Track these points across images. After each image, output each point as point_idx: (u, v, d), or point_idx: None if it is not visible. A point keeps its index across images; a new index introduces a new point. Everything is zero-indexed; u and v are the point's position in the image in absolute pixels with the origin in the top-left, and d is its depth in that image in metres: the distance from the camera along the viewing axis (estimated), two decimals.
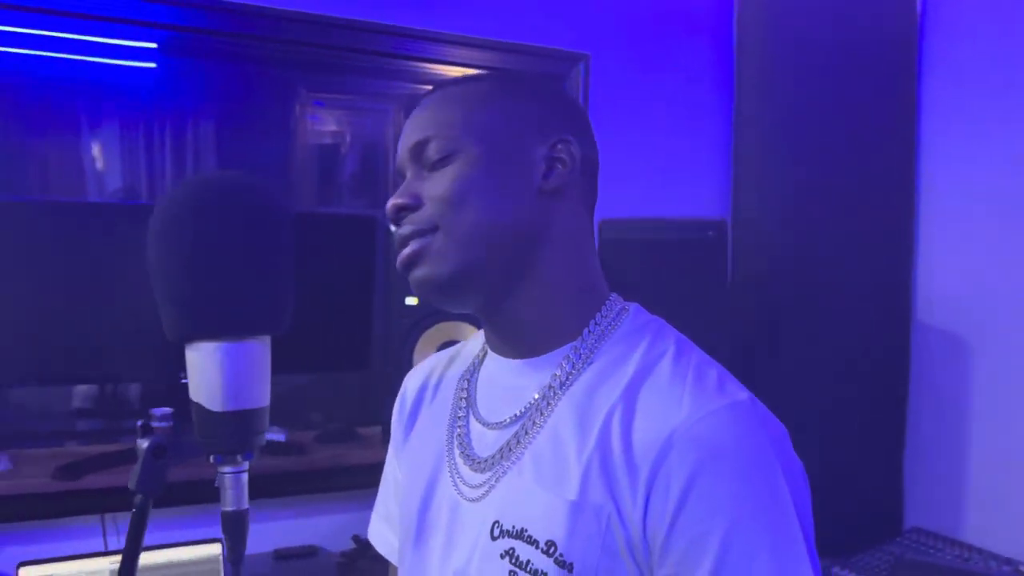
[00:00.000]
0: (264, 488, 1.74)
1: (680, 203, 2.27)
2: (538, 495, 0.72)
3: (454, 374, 0.91)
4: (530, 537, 0.71)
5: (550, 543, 0.69)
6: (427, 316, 1.77)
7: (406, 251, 0.77)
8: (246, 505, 0.60)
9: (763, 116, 2.27)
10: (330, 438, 1.93)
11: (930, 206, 2.22)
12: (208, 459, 0.61)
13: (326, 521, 1.98)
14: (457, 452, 0.82)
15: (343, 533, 1.95)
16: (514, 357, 0.81)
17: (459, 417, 0.84)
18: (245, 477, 0.60)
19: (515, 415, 0.78)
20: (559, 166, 0.78)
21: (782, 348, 2.12)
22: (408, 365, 1.78)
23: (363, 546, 1.93)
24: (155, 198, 2.11)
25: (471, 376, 0.86)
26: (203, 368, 0.60)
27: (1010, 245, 2.04)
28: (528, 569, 0.70)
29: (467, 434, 0.82)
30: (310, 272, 1.77)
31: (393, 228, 0.79)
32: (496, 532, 0.73)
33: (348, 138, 2.80)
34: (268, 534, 1.91)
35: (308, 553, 1.91)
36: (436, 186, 0.76)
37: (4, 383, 1.77)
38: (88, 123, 2.17)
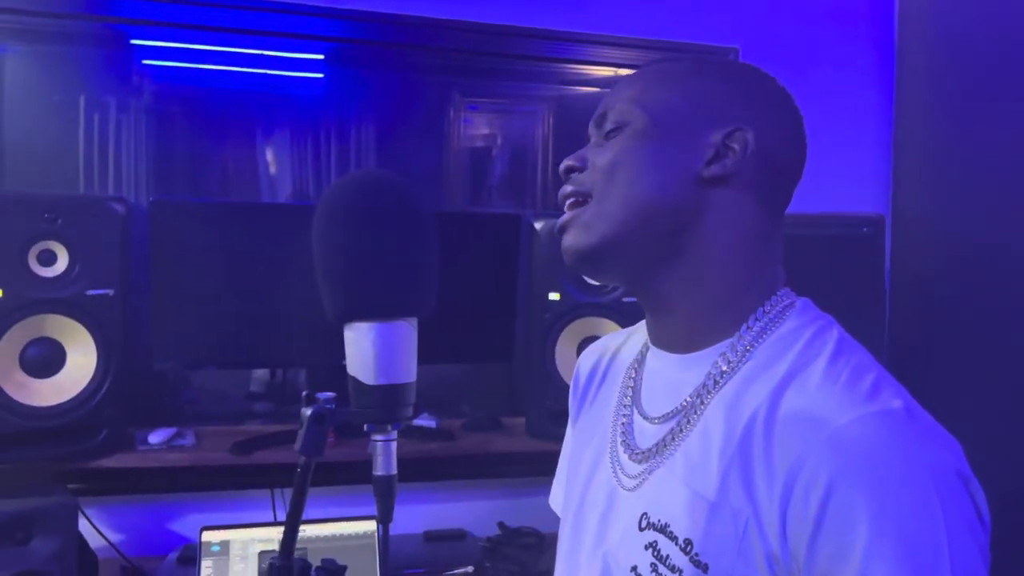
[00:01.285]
0: (415, 472, 1.84)
1: (837, 199, 2.19)
2: (683, 492, 0.72)
3: (623, 360, 0.93)
4: (672, 533, 0.72)
5: (688, 541, 0.70)
6: (569, 311, 1.82)
7: (562, 217, 0.81)
8: (395, 470, 0.66)
9: (927, 110, 2.15)
10: (476, 426, 2.01)
11: None
12: (362, 428, 0.68)
13: (473, 506, 2.06)
14: (619, 440, 0.84)
15: (489, 519, 2.02)
16: (672, 351, 0.81)
17: (625, 406, 0.86)
18: (394, 445, 0.67)
19: (672, 411, 0.78)
20: (729, 154, 0.75)
21: (942, 353, 2.00)
22: (551, 358, 1.83)
23: (508, 532, 1.99)
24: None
25: (638, 366, 0.88)
26: (359, 345, 0.67)
27: None
28: (667, 564, 0.71)
29: (630, 424, 0.84)
30: (459, 268, 1.87)
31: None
32: (643, 523, 0.75)
33: (499, 140, 2.87)
34: (419, 516, 2.01)
35: (456, 536, 1.99)
36: (600, 155, 0.79)
37: (188, 366, 1.95)
38: (262, 131, 2.34)
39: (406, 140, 2.48)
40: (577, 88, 2.38)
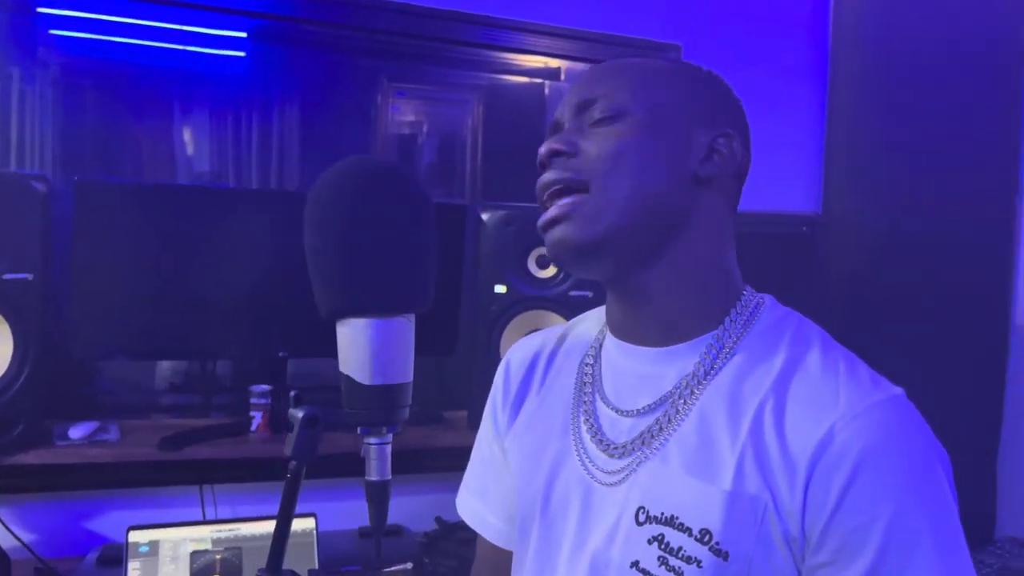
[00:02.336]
0: (352, 468, 1.79)
1: (770, 197, 2.23)
2: (688, 483, 0.72)
3: (569, 355, 0.90)
4: (681, 524, 0.71)
5: (704, 531, 0.70)
6: (515, 303, 1.79)
7: (552, 211, 0.77)
8: (389, 475, 0.63)
9: (858, 111, 2.22)
10: (417, 421, 1.97)
11: None
12: (355, 431, 0.64)
13: (410, 501, 2.02)
14: (587, 437, 0.82)
15: (427, 514, 1.99)
16: (648, 344, 0.81)
17: (585, 402, 0.85)
18: (389, 449, 0.63)
19: (653, 403, 0.78)
20: (717, 157, 0.78)
21: (872, 348, 2.07)
22: (496, 351, 1.80)
23: (445, 527, 1.96)
24: (241, 182, 2.17)
25: (594, 361, 0.86)
26: (354, 343, 0.63)
27: None
28: (680, 555, 0.71)
29: (596, 419, 0.82)
30: None
31: (541, 173, 0.79)
32: (642, 518, 0.74)
33: (425, 128, 2.83)
34: (353, 512, 1.96)
35: (393, 532, 1.95)
36: (596, 143, 0.77)
37: (107, 356, 1.85)
38: (180, 109, 2.24)
39: (331, 124, 2.41)
40: (509, 78, 2.35)
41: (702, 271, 0.79)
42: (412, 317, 0.68)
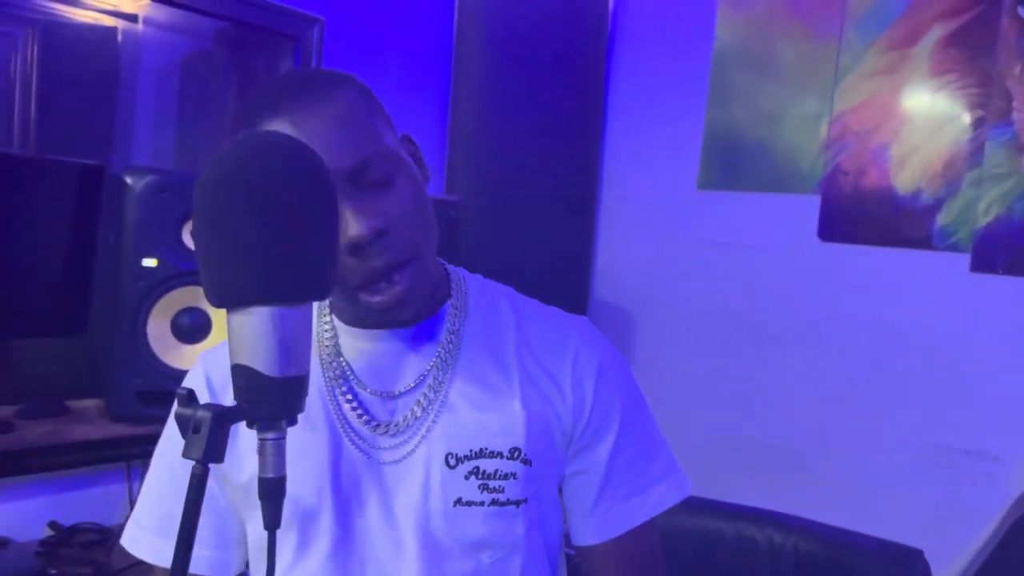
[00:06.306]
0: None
1: None
2: (486, 418, 0.85)
3: None
4: (491, 452, 0.84)
5: (513, 449, 0.84)
6: (168, 279, 1.64)
7: (400, 288, 0.80)
8: (285, 471, 0.59)
9: (475, 104, 2.45)
10: (37, 413, 1.68)
11: (610, 196, 2.61)
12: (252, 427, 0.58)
13: (14, 508, 1.73)
14: (359, 424, 0.85)
15: (35, 520, 1.73)
16: (398, 327, 0.86)
17: (341, 392, 0.87)
18: (285, 443, 0.58)
19: (423, 373, 0.86)
20: (417, 163, 0.87)
21: None
22: (142, 331, 1.64)
23: (62, 533, 1.73)
24: None
25: (336, 357, 0.88)
26: (257, 332, 0.56)
27: (672, 235, 2.50)
28: (497, 476, 0.84)
29: (362, 406, 0.86)
30: (21, 226, 1.54)
31: (363, 253, 0.77)
32: (452, 461, 0.84)
33: None
34: None
35: None
36: (395, 207, 0.79)
37: None
38: None
39: None
40: (72, 13, 2.05)
41: (434, 257, 0.88)
42: (311, 305, 0.63)
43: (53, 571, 1.59)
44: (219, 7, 2.06)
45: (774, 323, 2.33)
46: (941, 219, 2.11)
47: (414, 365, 0.87)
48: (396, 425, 0.85)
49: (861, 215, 2.23)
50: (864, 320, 2.20)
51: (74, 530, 1.75)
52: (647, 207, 2.54)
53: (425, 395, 0.85)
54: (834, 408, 2.23)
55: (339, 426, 0.86)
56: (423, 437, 0.84)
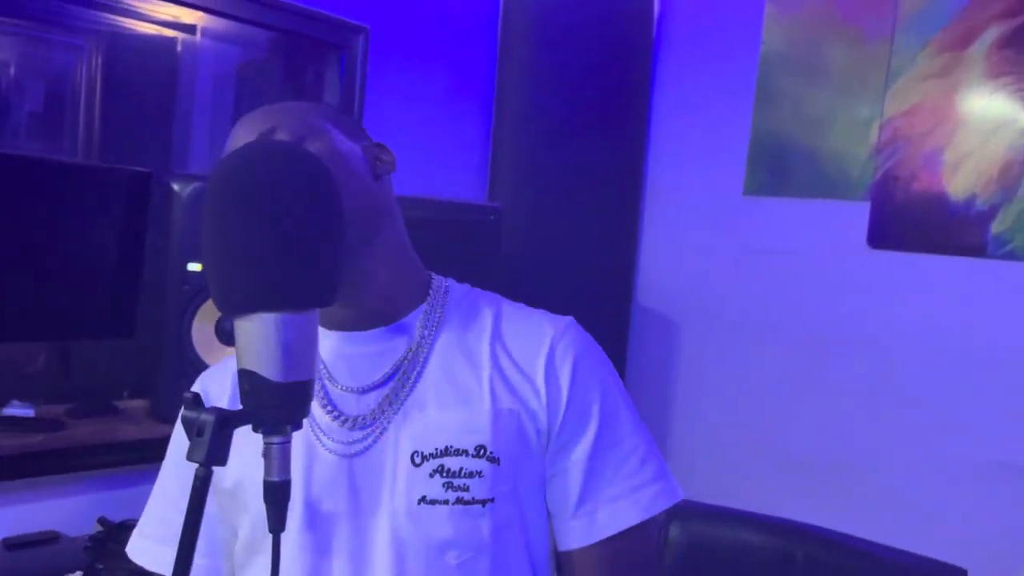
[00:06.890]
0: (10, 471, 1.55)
1: (440, 185, 2.38)
2: (452, 416, 0.85)
3: None
4: (456, 450, 0.84)
5: (479, 447, 0.84)
6: None
7: None
8: (290, 475, 0.60)
9: (518, 110, 2.46)
10: (86, 413, 1.74)
11: (654, 202, 2.59)
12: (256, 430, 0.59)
13: (65, 504, 1.79)
14: (326, 419, 0.87)
15: (86, 516, 1.78)
16: (367, 328, 0.89)
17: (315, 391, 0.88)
18: (290, 447, 0.60)
19: (390, 370, 0.88)
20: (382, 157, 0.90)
21: None
22: (187, 335, 1.68)
23: (111, 528, 1.78)
24: None
25: None
26: (262, 338, 0.58)
27: (717, 242, 2.46)
28: (462, 474, 0.83)
29: (331, 402, 0.88)
30: (73, 231, 1.59)
31: None
32: (418, 459, 0.84)
33: (12, 71, 2.47)
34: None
35: (47, 539, 1.71)
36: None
37: None
38: None
39: None
40: (134, 25, 2.11)
41: (400, 256, 0.91)
42: (317, 312, 0.64)
43: (100, 566, 1.63)
44: (269, 18, 2.10)
45: (821, 333, 2.28)
46: (996, 226, 2.04)
47: (384, 363, 0.88)
48: (364, 419, 0.86)
49: (912, 222, 2.17)
50: (915, 330, 2.14)
51: (123, 526, 1.80)
52: (691, 213, 2.51)
53: (393, 389, 0.86)
54: (882, 421, 2.17)
55: (310, 426, 0.87)
56: (388, 431, 0.85)
